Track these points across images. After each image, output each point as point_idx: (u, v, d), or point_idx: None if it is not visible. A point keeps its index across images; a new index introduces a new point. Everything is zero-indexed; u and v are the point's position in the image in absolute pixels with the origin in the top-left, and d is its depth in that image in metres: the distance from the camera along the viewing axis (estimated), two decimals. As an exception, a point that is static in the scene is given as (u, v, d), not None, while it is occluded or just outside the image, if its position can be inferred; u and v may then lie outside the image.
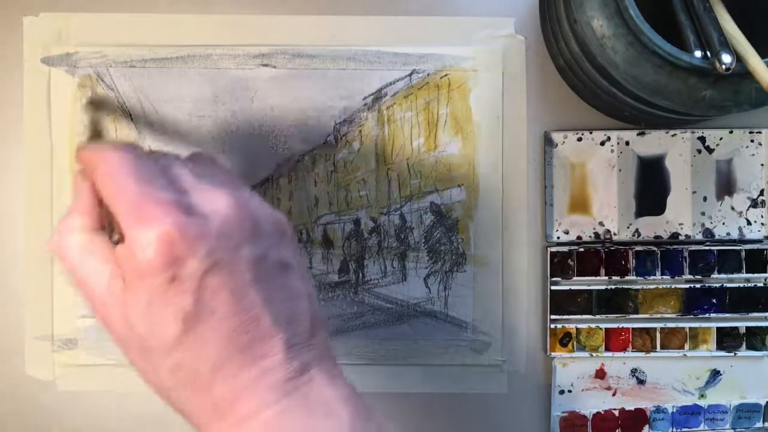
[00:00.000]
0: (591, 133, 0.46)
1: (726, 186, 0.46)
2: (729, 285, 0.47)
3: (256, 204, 0.30)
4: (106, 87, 0.46)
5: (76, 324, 0.46)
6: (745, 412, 0.47)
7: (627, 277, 0.47)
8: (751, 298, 0.47)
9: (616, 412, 0.47)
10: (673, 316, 0.47)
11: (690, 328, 0.47)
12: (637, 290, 0.47)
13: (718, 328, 0.47)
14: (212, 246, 0.27)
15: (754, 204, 0.46)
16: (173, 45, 0.46)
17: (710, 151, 0.46)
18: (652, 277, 0.47)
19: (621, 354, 0.47)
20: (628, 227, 0.46)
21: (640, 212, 0.46)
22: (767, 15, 0.39)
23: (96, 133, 0.37)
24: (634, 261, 0.46)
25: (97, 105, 0.40)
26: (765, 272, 0.46)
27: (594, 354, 0.47)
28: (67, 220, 0.30)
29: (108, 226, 0.29)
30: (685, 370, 0.47)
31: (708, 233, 0.46)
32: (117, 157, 0.29)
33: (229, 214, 0.28)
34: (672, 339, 0.47)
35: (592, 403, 0.47)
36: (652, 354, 0.47)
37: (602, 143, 0.46)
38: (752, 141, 0.46)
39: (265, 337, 0.28)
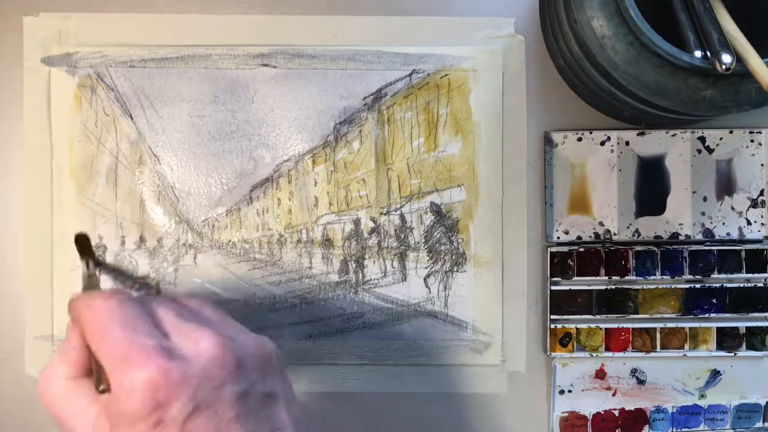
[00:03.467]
0: (591, 133, 0.46)
1: (726, 186, 0.46)
2: (729, 285, 0.47)
3: (241, 340, 0.30)
4: (106, 87, 0.46)
5: (76, 324, 0.46)
6: (745, 412, 0.47)
7: (627, 277, 0.47)
8: (751, 298, 0.47)
9: (616, 412, 0.47)
10: (673, 316, 0.47)
11: (690, 328, 0.47)
12: (637, 290, 0.47)
13: (718, 328, 0.47)
14: (195, 389, 0.28)
15: (754, 204, 0.46)
16: (173, 45, 0.46)
17: (710, 151, 0.46)
18: (652, 277, 0.47)
19: (621, 354, 0.47)
20: (628, 227, 0.46)
21: (640, 212, 0.46)
22: (767, 15, 0.39)
23: (90, 284, 0.39)
24: (634, 261, 0.46)
25: (90, 277, 0.41)
26: (765, 272, 0.46)
27: (594, 354, 0.47)
28: (52, 368, 0.31)
29: (95, 373, 0.30)
30: (685, 370, 0.47)
31: (708, 233, 0.46)
32: (103, 305, 0.30)
33: (211, 355, 0.29)
34: (672, 339, 0.47)
35: (592, 403, 0.47)
36: (652, 354, 0.47)
37: (602, 143, 0.46)
38: (752, 141, 0.46)
39: None
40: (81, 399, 0.30)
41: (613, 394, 0.47)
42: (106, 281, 0.46)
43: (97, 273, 0.43)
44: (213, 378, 0.28)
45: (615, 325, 0.47)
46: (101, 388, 0.29)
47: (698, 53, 0.37)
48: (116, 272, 0.47)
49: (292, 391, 0.32)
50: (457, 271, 0.47)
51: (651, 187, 0.46)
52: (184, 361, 0.28)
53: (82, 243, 0.45)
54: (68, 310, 0.32)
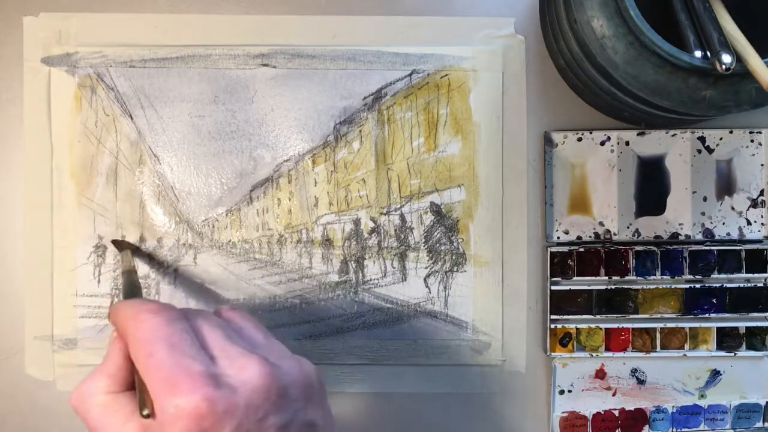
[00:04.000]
0: (591, 133, 0.46)
1: (726, 186, 0.46)
2: (729, 285, 0.47)
3: (285, 367, 0.30)
4: (106, 87, 0.46)
5: (76, 324, 0.46)
6: (745, 412, 0.47)
7: (627, 277, 0.47)
8: (751, 298, 0.47)
9: (616, 412, 0.47)
10: (673, 316, 0.47)
11: (690, 328, 0.47)
12: (637, 290, 0.47)
13: (718, 328, 0.47)
14: (240, 420, 0.27)
15: (754, 204, 0.46)
16: (173, 45, 0.46)
17: (710, 151, 0.46)
18: (652, 277, 0.47)
19: (621, 354, 0.47)
20: (628, 227, 0.46)
21: (640, 212, 0.46)
22: (767, 15, 0.39)
23: (130, 291, 0.38)
24: (634, 261, 0.46)
25: (129, 272, 0.42)
26: (765, 272, 0.46)
27: (594, 354, 0.47)
28: (92, 380, 0.30)
29: (139, 394, 0.29)
30: (685, 370, 0.47)
31: (708, 233, 0.46)
32: (149, 322, 0.29)
33: (258, 386, 0.28)
34: (672, 339, 0.47)
35: (592, 403, 0.47)
36: (652, 354, 0.47)
37: (602, 143, 0.46)
38: (752, 141, 0.46)
39: None
40: (118, 415, 0.29)
41: (613, 394, 0.47)
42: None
43: (136, 268, 0.43)
44: (257, 409, 0.28)
45: (615, 325, 0.47)
46: (145, 412, 0.28)
47: (698, 53, 0.37)
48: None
49: (331, 418, 0.32)
50: (457, 271, 0.47)
51: (651, 187, 0.46)
52: (230, 390, 0.28)
53: (118, 242, 0.46)
54: (110, 319, 0.31)
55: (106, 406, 0.29)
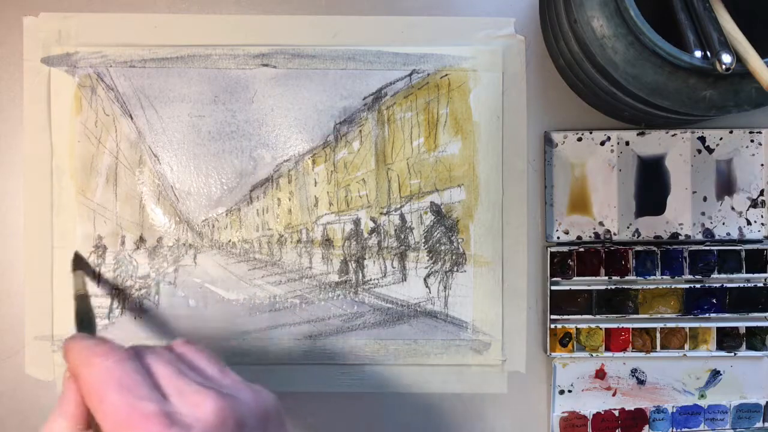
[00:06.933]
0: (591, 133, 0.46)
1: (726, 186, 0.46)
2: (729, 285, 0.47)
3: (241, 398, 0.30)
4: (106, 87, 0.46)
5: (76, 324, 0.46)
6: (745, 412, 0.47)
7: (627, 277, 0.47)
8: (751, 298, 0.47)
9: (616, 412, 0.47)
10: (673, 316, 0.47)
11: (690, 328, 0.47)
12: (637, 290, 0.47)
13: (718, 328, 0.47)
14: None
15: (754, 204, 0.46)
16: (173, 45, 0.46)
17: (710, 151, 0.46)
18: (652, 277, 0.47)
19: (621, 354, 0.47)
20: (628, 227, 0.46)
21: (640, 212, 0.46)
22: (767, 15, 0.39)
23: (81, 320, 0.38)
24: (634, 261, 0.46)
25: (82, 297, 0.41)
26: (765, 272, 0.46)
27: (594, 354, 0.47)
28: (51, 424, 0.30)
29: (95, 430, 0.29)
30: (685, 370, 0.47)
31: (708, 233, 0.46)
32: (99, 366, 0.29)
33: (212, 421, 0.28)
34: (672, 339, 0.47)
35: (592, 403, 0.47)
36: (652, 354, 0.47)
37: (602, 143, 0.46)
38: (752, 141, 0.46)
39: None
40: None
41: (613, 394, 0.47)
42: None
43: (88, 292, 0.43)
44: None
45: (615, 325, 0.47)
46: None
47: (698, 53, 0.37)
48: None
49: None
50: (457, 271, 0.47)
51: (651, 187, 0.46)
52: (184, 428, 0.28)
53: (77, 261, 0.45)
54: (64, 357, 0.32)
55: None
